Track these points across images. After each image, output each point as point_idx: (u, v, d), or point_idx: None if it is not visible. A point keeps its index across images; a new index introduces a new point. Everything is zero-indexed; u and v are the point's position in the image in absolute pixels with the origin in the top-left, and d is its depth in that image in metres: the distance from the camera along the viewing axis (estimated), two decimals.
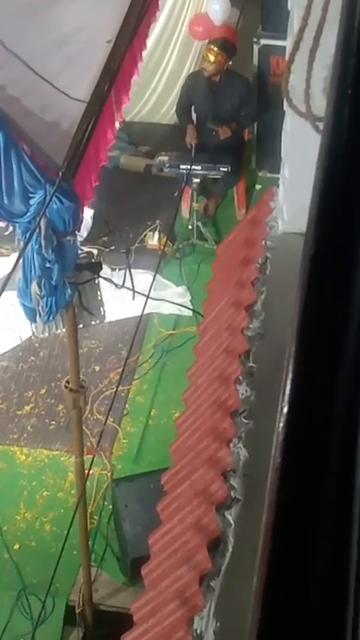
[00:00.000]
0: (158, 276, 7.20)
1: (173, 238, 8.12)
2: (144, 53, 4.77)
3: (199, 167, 7.69)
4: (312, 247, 1.22)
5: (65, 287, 3.90)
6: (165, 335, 7.45)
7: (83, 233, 7.63)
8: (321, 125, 2.36)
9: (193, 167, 7.54)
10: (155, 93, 9.30)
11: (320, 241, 1.23)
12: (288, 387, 1.14)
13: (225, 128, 7.97)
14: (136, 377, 7.15)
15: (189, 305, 7.57)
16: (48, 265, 3.72)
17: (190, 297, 7.66)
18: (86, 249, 6.83)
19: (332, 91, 1.36)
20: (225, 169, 7.74)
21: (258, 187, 8.73)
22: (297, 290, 1.20)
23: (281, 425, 1.13)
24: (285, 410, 1.13)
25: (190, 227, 8.10)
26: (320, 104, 2.49)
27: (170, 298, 7.54)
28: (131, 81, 4.50)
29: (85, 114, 3.74)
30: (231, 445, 3.13)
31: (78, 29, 4.21)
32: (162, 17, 8.36)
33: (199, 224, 8.05)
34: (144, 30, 4.68)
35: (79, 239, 4.46)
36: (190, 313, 7.45)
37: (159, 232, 8.13)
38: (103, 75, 3.95)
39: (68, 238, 3.76)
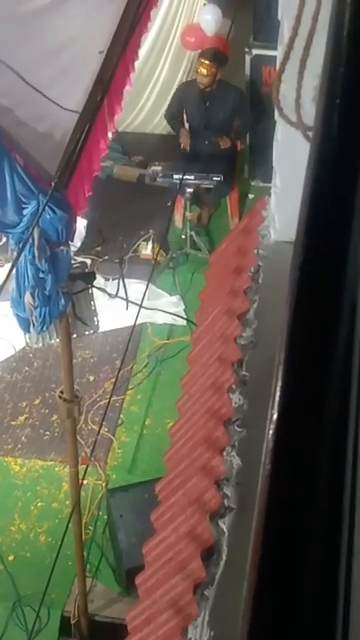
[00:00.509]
0: (152, 285, 7.21)
1: (166, 247, 8.13)
2: (136, 63, 4.79)
3: (192, 176, 7.70)
4: (301, 254, 1.23)
5: (59, 297, 3.90)
6: (159, 344, 7.45)
7: (76, 243, 7.63)
8: (311, 134, 2.37)
9: (186, 176, 7.55)
10: (148, 103, 9.33)
11: (309, 248, 1.23)
12: (278, 394, 1.14)
13: (226, 139, 8.01)
14: (130, 387, 7.14)
15: (183, 314, 7.57)
16: (41, 275, 3.72)
17: (184, 306, 7.67)
18: (79, 259, 6.83)
19: (321, 99, 1.37)
20: (218, 178, 7.76)
21: (251, 196, 8.74)
22: (287, 298, 1.21)
23: (271, 432, 1.13)
24: (275, 417, 1.13)
25: (183, 236, 8.11)
26: (311, 113, 2.50)
27: (164, 307, 7.54)
28: (124, 91, 4.51)
29: (78, 124, 3.75)
30: (224, 454, 3.12)
31: (71, 40, 4.23)
32: (154, 28, 8.39)
33: (192, 233, 8.06)
34: (136, 41, 4.69)
35: (72, 249, 4.47)
36: (184, 322, 7.45)
37: (152, 242, 8.14)
38: (96, 86, 3.96)
39: (61, 248, 3.76)
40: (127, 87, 4.57)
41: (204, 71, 7.76)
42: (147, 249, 8.13)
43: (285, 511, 1.04)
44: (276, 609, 1.05)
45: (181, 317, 7.51)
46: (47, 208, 3.51)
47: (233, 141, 8.12)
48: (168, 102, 8.60)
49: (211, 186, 7.95)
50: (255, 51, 8.11)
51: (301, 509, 1.05)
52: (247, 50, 8.16)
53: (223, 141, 8.02)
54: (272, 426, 1.14)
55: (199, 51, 8.21)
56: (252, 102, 8.25)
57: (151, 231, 8.22)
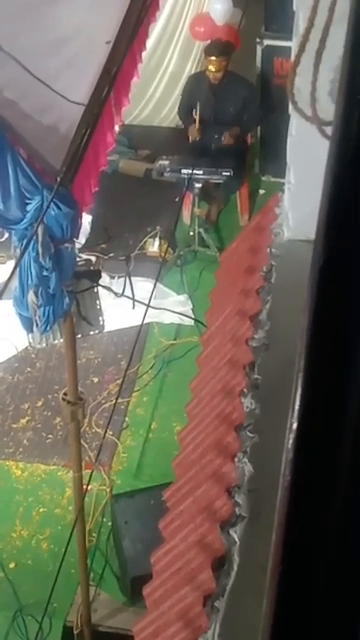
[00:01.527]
0: (159, 284, 7.20)
1: (174, 245, 8.12)
2: (144, 54, 4.78)
3: (201, 171, 7.70)
4: (321, 257, 1.22)
5: (63, 296, 3.89)
6: (166, 345, 7.45)
7: (81, 240, 7.63)
8: (327, 129, 2.36)
9: (194, 171, 7.55)
10: (155, 95, 9.33)
11: (330, 251, 1.23)
12: (297, 403, 1.14)
13: (228, 136, 8.00)
14: (136, 389, 7.14)
15: (191, 314, 7.56)
16: (45, 273, 3.72)
17: (192, 306, 7.67)
18: (84, 256, 6.87)
19: (340, 96, 1.36)
20: (227, 173, 7.75)
21: (262, 192, 8.74)
22: (306, 301, 1.20)
23: (290, 442, 1.13)
24: (294, 427, 1.13)
25: (191, 233, 8.11)
26: (326, 107, 2.50)
27: (171, 307, 7.54)
28: (131, 83, 4.51)
29: (84, 117, 3.74)
30: (236, 460, 3.12)
31: (77, 30, 4.22)
32: (162, 17, 8.40)
33: (201, 230, 8.06)
34: (144, 31, 4.69)
35: (77, 246, 4.46)
36: (192, 322, 7.45)
37: (160, 238, 8.14)
38: (102, 77, 3.95)
39: (66, 245, 3.75)
40: (134, 78, 4.57)
41: (213, 68, 7.78)
42: (154, 246, 8.13)
43: (305, 524, 1.04)
44: (296, 624, 1.04)
45: (189, 317, 7.50)
46: (52, 204, 3.50)
47: (238, 137, 8.09)
48: (176, 96, 8.62)
49: (220, 181, 7.95)
50: (267, 42, 8.11)
51: (322, 523, 1.05)
52: (258, 41, 8.16)
53: (226, 137, 8.01)
54: (292, 436, 1.13)
55: (208, 41, 8.20)
56: (263, 94, 8.26)
57: (158, 228, 8.21)
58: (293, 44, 3.10)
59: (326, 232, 1.25)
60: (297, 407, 1.13)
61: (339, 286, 1.20)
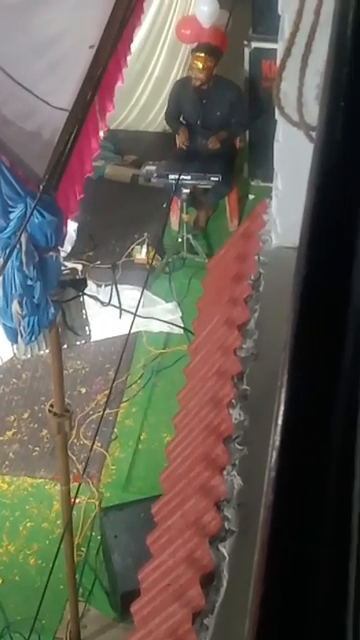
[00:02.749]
0: (146, 292, 7.20)
1: (162, 252, 8.12)
2: (129, 58, 4.78)
3: (188, 177, 7.70)
4: (304, 268, 1.21)
5: (48, 306, 3.88)
6: (155, 354, 7.44)
7: (67, 248, 7.63)
8: (315, 135, 2.36)
9: (182, 177, 7.54)
10: (141, 100, 9.33)
11: (313, 261, 1.22)
12: (280, 419, 1.13)
13: (214, 140, 8.00)
14: (124, 399, 7.13)
15: (180, 322, 7.56)
16: (30, 283, 3.71)
17: (181, 314, 7.66)
18: (70, 265, 6.83)
19: (324, 102, 1.36)
20: (216, 178, 7.76)
21: (251, 197, 8.74)
22: (289, 314, 1.20)
23: (273, 459, 1.12)
24: (277, 443, 1.12)
25: (180, 240, 8.10)
26: (313, 112, 2.49)
27: (159, 315, 7.53)
28: (115, 88, 4.51)
29: (68, 123, 3.74)
30: (224, 473, 3.11)
31: (60, 34, 4.22)
32: (147, 20, 8.39)
33: (189, 236, 8.06)
34: (128, 34, 4.69)
35: (62, 254, 4.45)
36: (181, 331, 7.44)
37: (147, 245, 8.13)
38: (86, 82, 3.95)
39: (51, 254, 3.75)
40: (119, 83, 4.57)
41: (199, 64, 7.75)
42: (141, 253, 8.12)
43: (289, 546, 1.02)
44: None
45: (178, 326, 7.50)
46: (35, 212, 3.49)
47: (224, 141, 8.09)
48: (163, 100, 8.61)
49: (209, 186, 7.95)
50: (254, 44, 8.11)
51: (307, 542, 1.04)
52: (246, 43, 8.16)
53: (212, 142, 8.00)
54: (274, 452, 1.13)
55: (195, 44, 8.21)
56: (251, 97, 8.26)
57: (146, 234, 8.21)
58: (279, 48, 3.10)
59: (309, 242, 1.24)
60: (280, 423, 1.12)
61: (323, 298, 1.19)
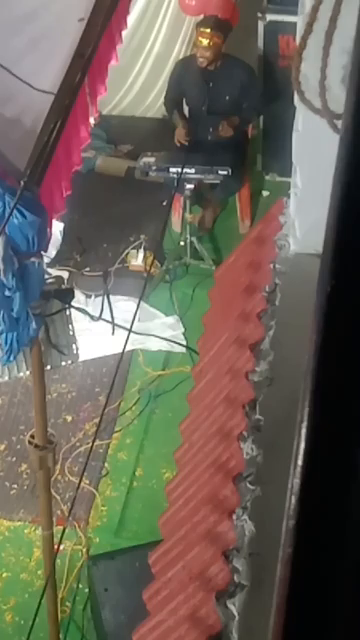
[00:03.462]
0: (143, 304, 7.21)
1: (161, 257, 8.13)
2: (124, 33, 4.80)
3: (193, 170, 7.71)
4: (329, 281, 1.21)
5: (29, 320, 3.88)
6: (152, 376, 7.43)
7: (51, 252, 7.64)
8: (340, 124, 2.36)
9: (186, 170, 7.56)
10: (138, 81, 9.36)
11: (339, 273, 1.22)
12: (300, 458, 1.12)
13: (225, 125, 8.00)
14: (117, 429, 7.12)
15: (181, 339, 7.56)
16: (8, 293, 3.71)
17: (183, 329, 7.66)
18: (55, 272, 6.86)
19: (352, 86, 1.36)
20: (224, 172, 7.76)
21: (265, 194, 8.76)
22: (311, 335, 1.19)
23: (292, 505, 1.12)
24: (297, 487, 1.12)
25: (182, 243, 8.11)
26: (339, 98, 2.50)
27: (158, 331, 7.54)
28: (108, 67, 4.53)
29: (53, 108, 3.76)
30: (234, 517, 3.11)
31: (43, 5, 4.24)
32: None
33: (193, 239, 8.06)
34: (124, 5, 4.71)
35: (46, 260, 4.46)
36: (183, 349, 7.44)
37: (144, 250, 8.14)
38: (74, 60, 3.97)
39: (32, 260, 3.75)
40: (112, 62, 4.59)
41: (205, 42, 7.76)
42: (138, 259, 8.13)
43: (309, 610, 1.02)
44: None
45: (179, 344, 7.50)
46: (15, 211, 3.50)
47: (237, 127, 8.11)
48: (163, 81, 8.62)
49: (216, 181, 7.96)
50: (269, 16, 8.14)
51: (328, 606, 1.04)
52: (260, 15, 8.19)
53: (223, 127, 8.01)
54: (293, 498, 1.12)
55: (200, 17, 8.23)
56: (266, 78, 8.29)
57: (142, 237, 8.22)
58: (298, 23, 3.11)
59: (334, 252, 1.24)
60: (300, 464, 1.12)
61: (350, 316, 1.19)
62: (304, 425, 1.12)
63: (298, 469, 1.13)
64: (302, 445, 1.11)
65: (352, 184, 1.26)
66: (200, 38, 7.83)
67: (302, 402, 1.15)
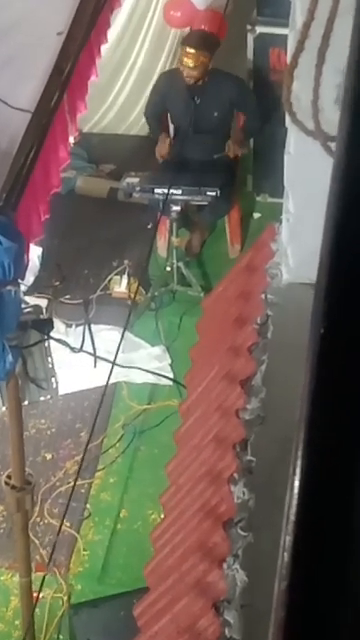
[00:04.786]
0: (128, 333, 7.19)
1: (146, 283, 8.12)
2: (104, 47, 4.82)
3: (179, 191, 7.71)
4: (323, 319, 1.21)
5: (5, 352, 3.89)
6: (137, 411, 7.41)
7: (29, 279, 7.62)
8: (334, 146, 2.37)
9: (172, 191, 7.56)
10: (120, 97, 9.37)
11: (334, 311, 1.22)
12: (293, 513, 1.11)
13: (232, 145, 8.06)
14: (100, 467, 7.10)
15: (168, 370, 7.55)
16: None
17: (170, 360, 7.65)
18: (32, 301, 6.84)
19: (346, 107, 1.36)
20: (213, 193, 7.77)
21: (256, 215, 8.77)
22: (305, 374, 1.19)
23: (285, 562, 1.11)
24: (289, 543, 1.11)
25: (168, 269, 8.11)
26: (332, 119, 2.50)
27: (143, 362, 7.52)
28: (88, 83, 4.55)
29: (30, 128, 3.77)
30: (225, 566, 3.11)
31: (21, 18, 4.26)
32: (128, 1, 8.44)
33: (180, 265, 8.06)
34: (104, 18, 4.74)
35: (23, 288, 4.46)
36: (170, 382, 7.43)
37: (128, 276, 8.14)
38: (53, 77, 3.99)
39: (8, 288, 3.75)
40: (93, 77, 4.61)
41: (190, 62, 7.77)
42: (121, 286, 8.13)
43: None
44: None
45: (165, 376, 7.49)
46: None
47: (243, 144, 8.15)
48: (146, 99, 8.63)
49: (204, 203, 7.96)
50: (259, 29, 8.18)
51: None
52: (249, 28, 8.23)
53: (230, 149, 8.06)
54: (286, 555, 1.11)
55: (187, 29, 8.26)
56: (257, 93, 8.29)
57: (126, 262, 8.21)
58: (289, 41, 3.12)
59: (328, 290, 1.23)
60: (292, 519, 1.11)
61: (345, 359, 1.19)
62: (297, 477, 1.11)
63: (290, 525, 1.12)
64: (294, 500, 1.10)
65: (347, 211, 1.26)
66: (185, 58, 7.81)
67: (295, 451, 1.14)
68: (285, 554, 1.10)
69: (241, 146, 8.16)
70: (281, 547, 1.12)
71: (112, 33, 6.11)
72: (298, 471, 1.09)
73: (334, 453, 1.09)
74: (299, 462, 1.10)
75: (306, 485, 1.10)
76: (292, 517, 1.10)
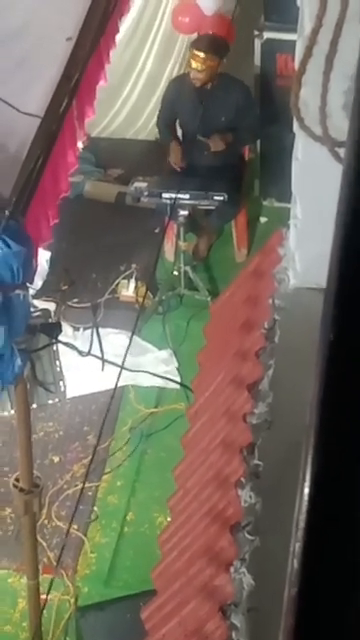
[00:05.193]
0: (135, 337, 7.18)
1: (154, 287, 8.12)
2: (113, 53, 4.83)
3: (187, 195, 7.71)
4: (332, 325, 1.20)
5: (13, 356, 3.88)
6: (145, 414, 7.41)
7: (37, 283, 7.62)
8: (342, 152, 2.37)
9: (179, 195, 7.56)
10: (129, 102, 9.38)
11: (343, 317, 1.21)
12: (303, 519, 1.11)
13: (217, 138, 7.98)
14: (107, 470, 7.09)
15: (175, 374, 7.54)
16: None
17: (177, 364, 7.65)
18: (41, 305, 6.84)
19: (355, 113, 1.35)
20: (220, 198, 7.77)
21: (263, 220, 8.76)
22: (314, 380, 1.18)
23: (294, 568, 1.10)
24: (298, 549, 1.10)
25: (176, 273, 8.11)
26: (340, 125, 2.50)
27: (151, 366, 7.52)
28: (97, 88, 4.55)
29: (39, 132, 3.78)
30: (232, 570, 3.10)
31: (29, 24, 4.26)
32: (137, 6, 8.44)
33: (187, 269, 8.06)
34: (113, 24, 4.74)
35: (32, 292, 4.46)
36: (177, 385, 7.42)
37: (136, 280, 8.14)
38: (62, 82, 3.99)
39: (17, 292, 3.75)
40: (101, 82, 4.62)
41: (198, 65, 7.77)
42: (129, 290, 8.13)
43: None
44: None
45: (173, 380, 7.48)
46: None
47: (228, 144, 8.10)
48: (155, 102, 8.63)
49: (211, 207, 7.96)
50: (267, 34, 8.18)
51: None
52: (257, 33, 8.23)
53: (213, 142, 7.99)
54: (295, 562, 1.11)
55: (195, 34, 8.26)
56: (264, 99, 8.30)
57: (134, 266, 8.22)
58: (297, 47, 3.11)
59: (338, 288, 1.23)
60: (302, 526, 1.11)
61: (355, 364, 1.18)
62: (306, 484, 1.11)
63: (300, 532, 1.11)
64: (304, 505, 1.10)
65: (356, 216, 1.25)
66: (193, 61, 7.82)
67: (304, 456, 1.14)
68: (295, 561, 1.09)
69: (225, 142, 8.08)
70: (291, 554, 1.11)
71: (120, 36, 6.12)
72: (308, 477, 1.09)
73: (344, 459, 1.09)
74: (309, 468, 1.10)
75: (316, 492, 1.09)
76: (302, 524, 1.10)
